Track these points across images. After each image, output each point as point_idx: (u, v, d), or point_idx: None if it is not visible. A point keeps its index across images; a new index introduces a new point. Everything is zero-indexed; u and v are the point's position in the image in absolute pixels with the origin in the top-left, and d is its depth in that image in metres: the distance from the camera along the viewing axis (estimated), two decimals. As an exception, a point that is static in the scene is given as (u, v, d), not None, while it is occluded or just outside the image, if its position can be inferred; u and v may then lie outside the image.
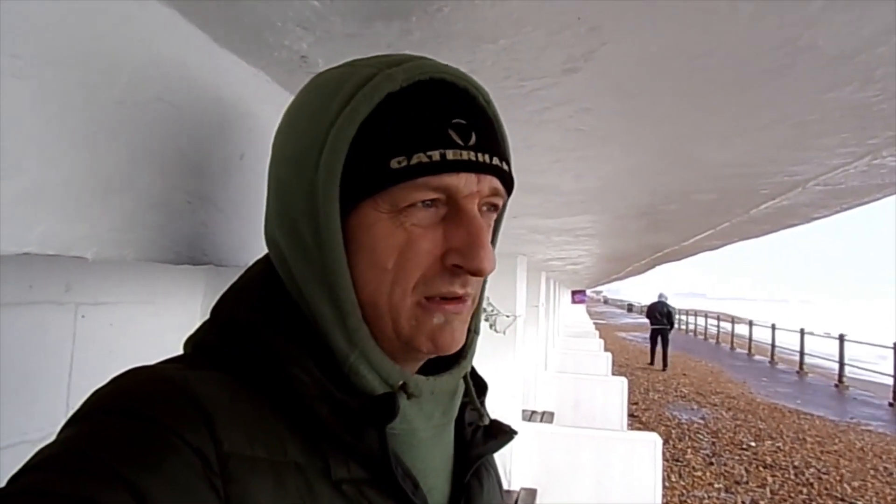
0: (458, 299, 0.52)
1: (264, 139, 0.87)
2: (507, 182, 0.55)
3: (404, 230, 0.50)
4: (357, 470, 0.48)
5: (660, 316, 16.86)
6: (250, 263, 0.60)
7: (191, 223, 0.72)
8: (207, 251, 0.76)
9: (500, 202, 0.56)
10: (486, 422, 0.62)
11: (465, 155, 0.49)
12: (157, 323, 1.09)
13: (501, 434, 0.62)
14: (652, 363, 16.42)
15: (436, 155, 0.48)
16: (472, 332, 0.60)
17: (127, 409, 0.41)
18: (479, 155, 0.50)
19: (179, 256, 0.71)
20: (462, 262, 0.49)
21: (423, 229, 0.50)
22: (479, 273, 0.50)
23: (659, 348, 16.43)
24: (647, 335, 17.45)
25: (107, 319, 1.00)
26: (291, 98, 0.94)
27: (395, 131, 0.49)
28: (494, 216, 0.57)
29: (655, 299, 17.65)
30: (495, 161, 0.51)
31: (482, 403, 0.64)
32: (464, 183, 0.50)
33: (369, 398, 0.50)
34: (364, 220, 0.50)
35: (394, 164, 0.48)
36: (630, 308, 57.13)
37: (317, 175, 0.50)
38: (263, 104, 0.85)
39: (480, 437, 0.61)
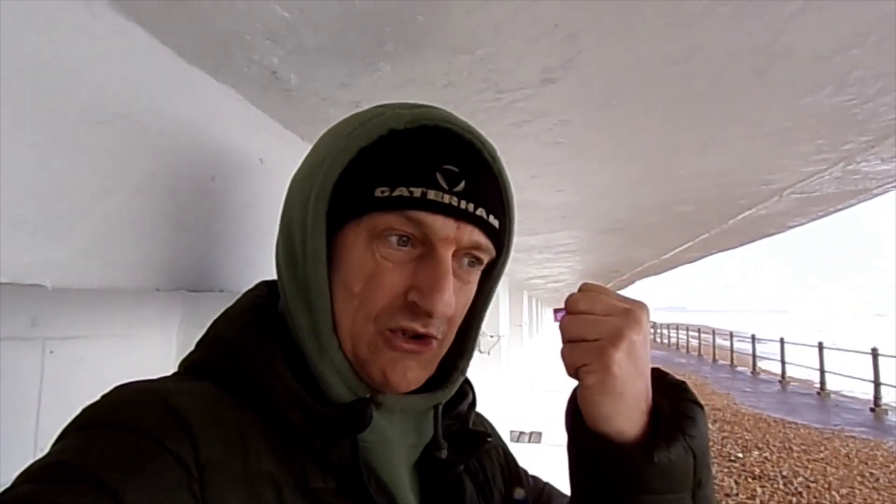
0: (421, 341, 0.53)
1: (236, 159, 0.84)
2: (497, 239, 0.56)
3: (374, 260, 0.52)
4: (331, 481, 0.49)
5: None
6: (236, 286, 0.59)
7: (160, 247, 0.68)
8: (178, 276, 0.72)
9: (484, 257, 0.56)
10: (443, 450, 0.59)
11: (446, 198, 0.50)
12: (132, 356, 1.04)
13: (473, 442, 0.62)
14: None
15: (417, 192, 0.50)
16: (460, 371, 0.61)
17: (111, 422, 0.43)
18: (463, 202, 0.51)
19: (149, 282, 0.67)
20: (419, 301, 0.51)
21: (393, 264, 0.52)
22: (431, 314, 0.51)
23: None
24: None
25: (77, 354, 0.95)
26: (264, 116, 0.93)
27: (386, 164, 0.52)
28: (477, 272, 0.58)
29: None
30: (480, 212, 0.53)
31: (461, 414, 0.64)
32: (440, 225, 0.51)
33: (342, 406, 0.51)
34: (345, 241, 0.53)
35: (377, 192, 0.50)
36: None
37: (311, 190, 0.53)
38: (235, 123, 0.83)
39: (452, 449, 0.60)
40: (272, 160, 0.93)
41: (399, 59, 0.74)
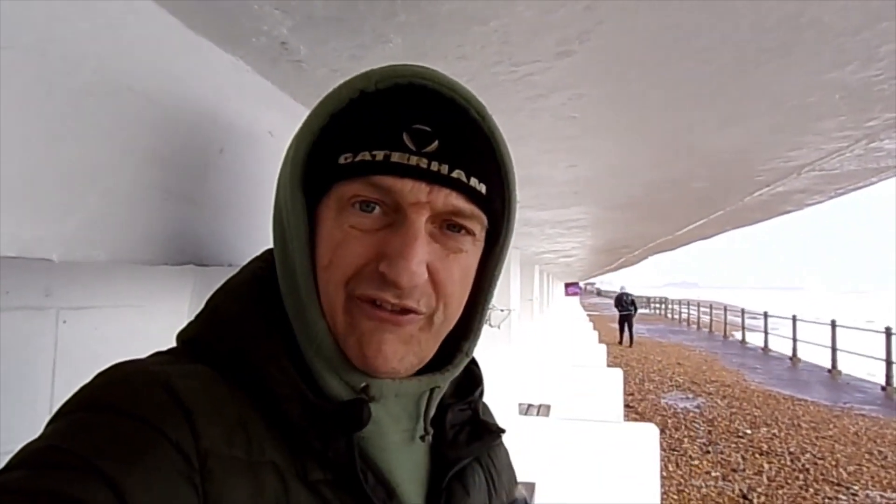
0: (398, 311, 0.48)
1: (245, 132, 0.83)
2: (487, 204, 0.51)
3: (343, 231, 0.49)
4: (330, 473, 0.48)
5: (626, 304, 20.53)
6: (245, 261, 0.59)
7: (168, 221, 0.68)
8: (187, 250, 0.72)
9: (472, 224, 0.51)
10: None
11: (413, 160, 0.46)
12: (144, 326, 1.05)
13: (487, 434, 0.60)
14: (621, 342, 19.61)
15: (380, 155, 0.46)
16: (464, 354, 0.57)
17: (108, 405, 0.41)
18: (434, 164, 0.47)
19: (157, 256, 0.67)
20: (386, 270, 0.47)
21: (361, 232, 0.48)
22: (395, 285, 0.47)
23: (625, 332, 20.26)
24: (642, 326, 19.73)
25: (90, 324, 0.96)
26: (274, 89, 0.91)
27: (351, 129, 0.49)
28: (468, 240, 0.52)
29: (619, 291, 21.45)
30: (457, 174, 0.48)
31: (474, 402, 0.62)
32: (409, 189, 0.47)
33: (339, 404, 0.49)
34: (320, 217, 0.50)
35: (341, 160, 0.48)
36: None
37: (288, 164, 0.52)
38: (244, 95, 0.81)
39: (464, 438, 0.59)
40: (282, 133, 0.92)
41: (411, 30, 0.72)
